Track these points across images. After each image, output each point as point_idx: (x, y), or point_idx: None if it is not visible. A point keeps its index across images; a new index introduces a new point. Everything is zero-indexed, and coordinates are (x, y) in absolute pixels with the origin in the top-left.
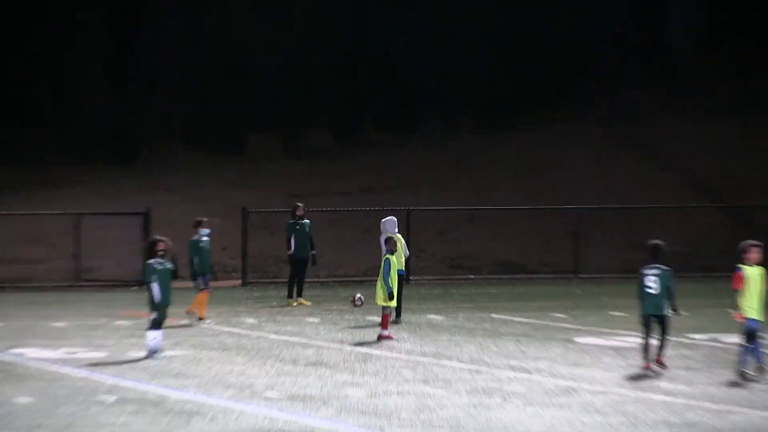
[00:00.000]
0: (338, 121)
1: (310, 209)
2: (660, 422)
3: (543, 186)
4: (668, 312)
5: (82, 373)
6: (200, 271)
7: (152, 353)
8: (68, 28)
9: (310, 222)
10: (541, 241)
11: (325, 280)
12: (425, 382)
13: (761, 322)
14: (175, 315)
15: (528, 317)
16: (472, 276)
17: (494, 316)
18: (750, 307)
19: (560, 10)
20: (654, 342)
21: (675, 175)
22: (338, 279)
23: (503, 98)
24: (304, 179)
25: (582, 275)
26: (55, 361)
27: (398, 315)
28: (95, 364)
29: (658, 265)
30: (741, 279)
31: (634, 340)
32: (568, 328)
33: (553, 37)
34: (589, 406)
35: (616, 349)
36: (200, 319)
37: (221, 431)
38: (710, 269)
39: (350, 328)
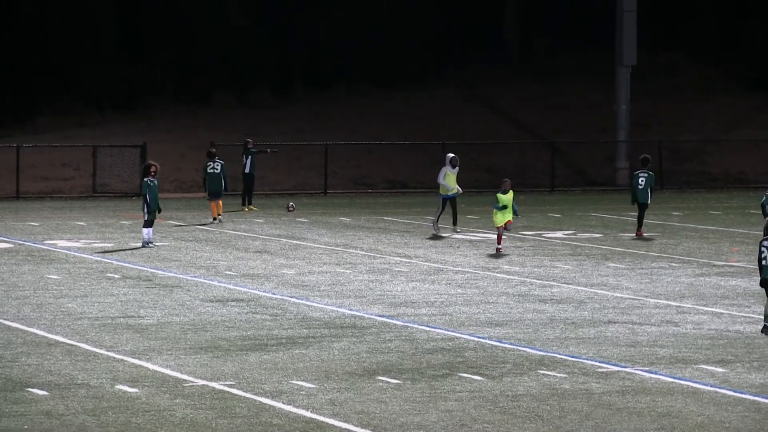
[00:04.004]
0: (277, 82)
1: (258, 143)
2: (501, 293)
3: (417, 129)
4: (649, 201)
5: (96, 257)
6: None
7: (146, 243)
8: (83, 12)
9: (256, 150)
10: (416, 166)
11: (268, 192)
12: (338, 264)
13: None
14: (160, 217)
15: (409, 219)
16: (370, 190)
17: (386, 218)
18: None
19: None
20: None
21: (508, 120)
22: (277, 192)
23: (391, 67)
24: (253, 123)
25: None
26: (77, 249)
27: (454, 223)
28: (105, 252)
29: (646, 170)
30: None
31: (484, 236)
32: (438, 227)
33: (425, 25)
34: (453, 282)
35: (471, 242)
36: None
37: (194, 299)
38: (534, 186)
39: (286, 226)
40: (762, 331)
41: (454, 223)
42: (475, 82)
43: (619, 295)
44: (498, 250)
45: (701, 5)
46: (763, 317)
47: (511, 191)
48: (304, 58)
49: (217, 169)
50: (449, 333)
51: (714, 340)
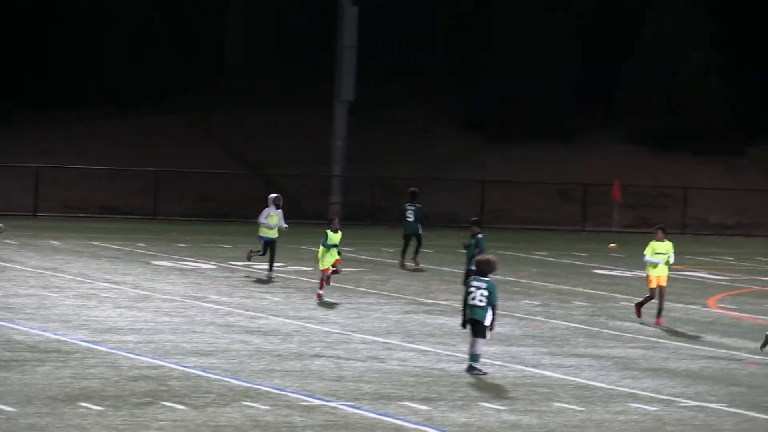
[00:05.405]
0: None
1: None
2: (208, 323)
3: (133, 154)
4: (419, 231)
5: None
6: None
7: None
8: None
9: None
10: (128, 192)
11: None
12: (44, 288)
13: None
14: None
15: (120, 245)
16: (81, 214)
17: (96, 243)
18: None
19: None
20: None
21: (225, 149)
22: None
23: (110, 91)
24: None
25: (160, 217)
26: None
27: (270, 269)
28: None
29: (414, 204)
30: None
31: (195, 264)
32: (147, 254)
33: (146, 48)
34: (160, 310)
35: (181, 270)
36: None
37: None
38: (245, 216)
39: None
40: (467, 370)
41: (270, 269)
42: (195, 108)
43: (326, 329)
44: (319, 296)
45: (427, 41)
46: (468, 356)
47: (340, 231)
48: (25, 78)
49: None
50: (154, 361)
51: (419, 378)
